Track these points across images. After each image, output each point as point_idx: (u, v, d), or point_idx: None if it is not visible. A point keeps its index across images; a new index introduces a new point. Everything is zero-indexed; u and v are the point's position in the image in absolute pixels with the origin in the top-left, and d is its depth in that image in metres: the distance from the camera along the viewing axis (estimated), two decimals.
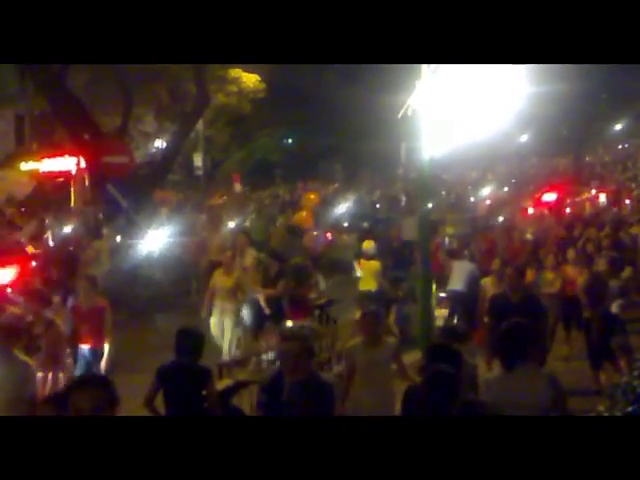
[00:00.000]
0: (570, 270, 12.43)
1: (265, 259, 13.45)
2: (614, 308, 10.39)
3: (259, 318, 11.75)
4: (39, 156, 28.96)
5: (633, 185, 36.91)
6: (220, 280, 12.36)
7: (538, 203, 25.89)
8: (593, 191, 33.11)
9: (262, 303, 11.58)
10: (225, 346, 11.91)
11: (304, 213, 24.97)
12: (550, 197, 27.12)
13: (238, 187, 33.19)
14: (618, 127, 51.37)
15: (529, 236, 17.98)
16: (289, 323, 11.25)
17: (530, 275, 12.48)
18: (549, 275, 12.53)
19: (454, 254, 14.62)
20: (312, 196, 32.08)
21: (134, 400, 6.90)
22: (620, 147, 55.52)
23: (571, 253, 12.86)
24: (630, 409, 3.61)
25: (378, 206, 30.91)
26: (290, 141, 40.07)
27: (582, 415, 5.36)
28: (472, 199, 32.37)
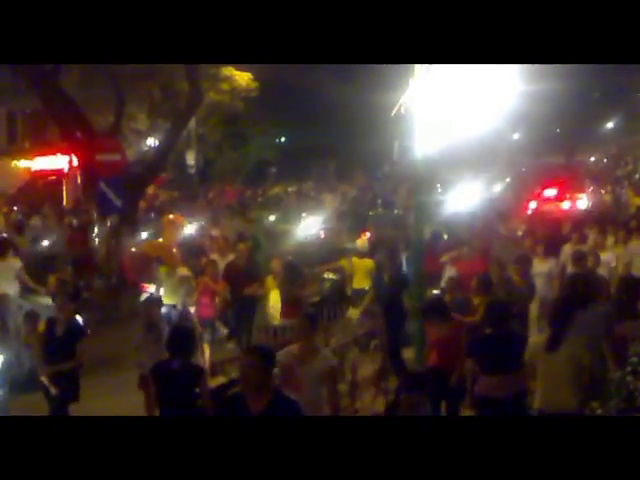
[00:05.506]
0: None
1: None
2: None
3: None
4: (31, 154, 28.87)
5: (626, 183, 36.91)
6: None
7: (540, 198, 25.92)
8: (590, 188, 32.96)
9: (45, 382, 8.32)
10: None
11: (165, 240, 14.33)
12: (551, 192, 27.23)
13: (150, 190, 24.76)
14: (610, 125, 51.47)
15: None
16: (283, 321, 11.24)
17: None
18: (475, 299, 9.29)
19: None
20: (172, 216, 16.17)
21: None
22: (612, 146, 55.63)
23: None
24: (623, 405, 3.62)
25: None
26: (283, 139, 40.00)
27: (576, 412, 5.40)
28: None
